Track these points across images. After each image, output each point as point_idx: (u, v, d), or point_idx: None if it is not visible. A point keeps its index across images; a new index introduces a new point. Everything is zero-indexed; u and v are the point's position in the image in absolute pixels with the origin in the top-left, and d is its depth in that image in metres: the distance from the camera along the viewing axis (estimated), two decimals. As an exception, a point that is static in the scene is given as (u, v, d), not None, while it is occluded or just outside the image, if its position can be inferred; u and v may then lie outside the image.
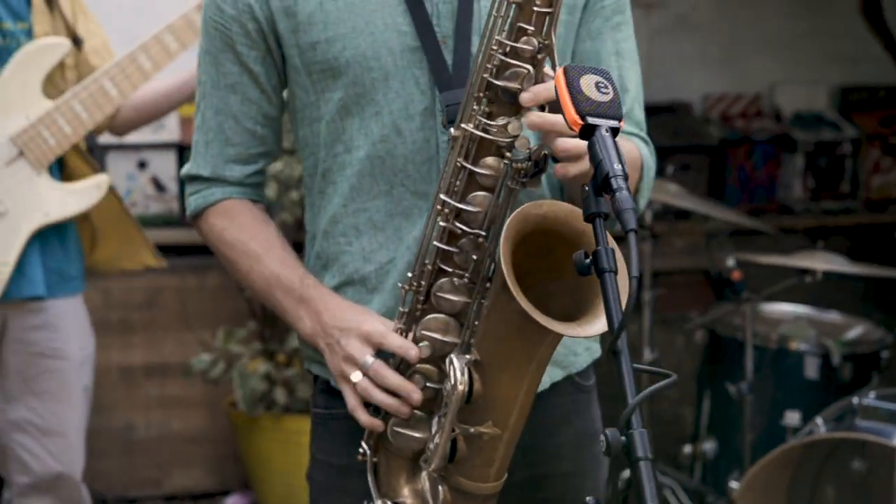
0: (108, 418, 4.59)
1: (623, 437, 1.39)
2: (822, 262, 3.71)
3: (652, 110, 5.63)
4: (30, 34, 3.10)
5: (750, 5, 5.40)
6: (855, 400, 3.37)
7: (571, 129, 1.55)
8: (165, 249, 4.72)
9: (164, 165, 4.80)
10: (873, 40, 5.14)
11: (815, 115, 5.50)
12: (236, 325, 4.53)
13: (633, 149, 1.93)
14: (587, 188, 1.52)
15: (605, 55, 1.93)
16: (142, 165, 4.79)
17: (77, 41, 3.16)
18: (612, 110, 1.54)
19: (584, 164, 1.66)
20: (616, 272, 1.48)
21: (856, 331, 4.01)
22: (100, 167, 3.29)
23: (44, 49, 3.09)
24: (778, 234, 4.66)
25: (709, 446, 3.99)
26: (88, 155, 3.26)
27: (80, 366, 3.23)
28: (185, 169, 2.02)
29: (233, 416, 4.49)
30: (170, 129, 4.80)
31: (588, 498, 1.45)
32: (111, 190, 3.24)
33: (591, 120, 1.53)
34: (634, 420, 1.41)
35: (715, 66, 5.53)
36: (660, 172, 4.30)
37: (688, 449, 4.14)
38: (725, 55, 5.53)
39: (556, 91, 1.56)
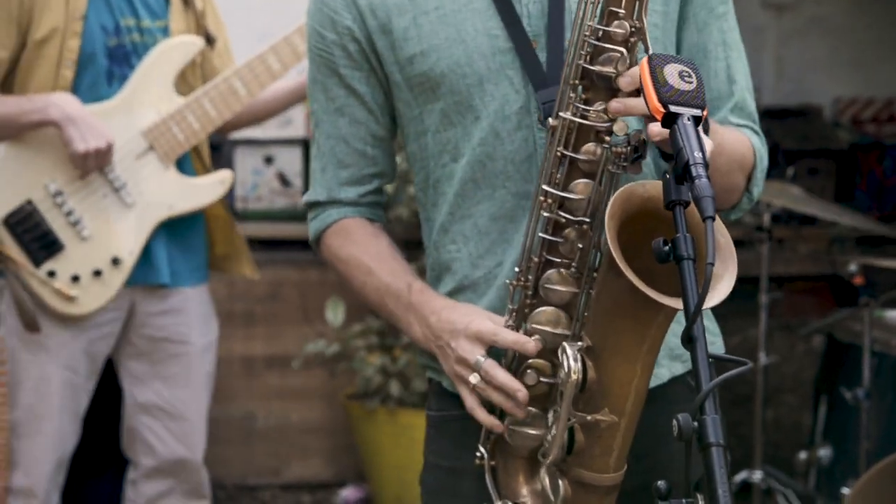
0: (229, 407, 4.69)
1: (695, 423, 1.39)
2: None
3: (781, 114, 5.60)
4: (166, 31, 3.20)
5: (883, 8, 5.31)
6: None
7: (654, 117, 1.55)
8: (289, 244, 4.84)
9: (290, 160, 4.89)
10: None
11: (948, 120, 5.39)
12: (355, 321, 4.59)
13: (744, 140, 1.92)
14: (668, 176, 1.52)
15: (713, 46, 1.93)
16: (268, 160, 4.89)
17: (210, 40, 3.25)
18: (695, 99, 1.54)
19: None
20: (694, 260, 1.48)
21: (980, 340, 3.90)
22: (211, 165, 3.38)
23: (179, 47, 3.19)
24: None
25: (824, 453, 3.92)
26: (204, 152, 3.35)
27: (203, 352, 3.32)
28: (306, 197, 2.07)
29: (349, 408, 4.55)
30: (296, 125, 4.90)
31: (658, 482, 1.45)
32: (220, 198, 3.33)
33: (672, 108, 1.53)
34: (708, 406, 1.40)
35: (846, 70, 5.44)
36: (783, 175, 4.27)
37: (803, 455, 4.08)
38: (857, 58, 5.44)
39: (640, 79, 1.57)
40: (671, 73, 1.55)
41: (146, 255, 3.19)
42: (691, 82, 1.55)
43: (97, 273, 3.14)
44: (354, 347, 4.46)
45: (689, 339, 1.46)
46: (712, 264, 1.41)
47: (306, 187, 5.09)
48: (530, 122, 1.87)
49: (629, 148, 1.72)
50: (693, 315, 1.44)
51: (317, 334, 4.66)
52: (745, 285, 4.26)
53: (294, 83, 3.42)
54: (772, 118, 5.23)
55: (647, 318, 1.71)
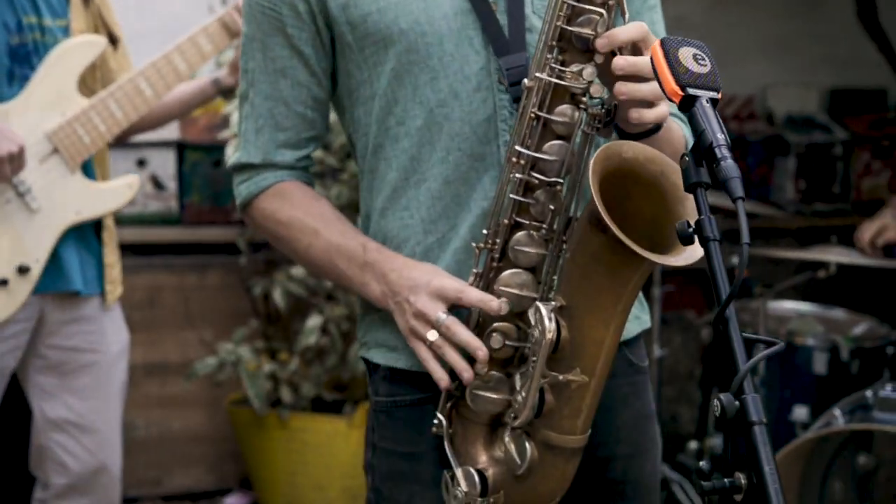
0: (108, 417, 4.55)
1: (737, 403, 1.40)
2: (838, 255, 3.73)
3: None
4: (67, 31, 3.08)
5: (742, 8, 5.45)
6: (869, 393, 3.40)
7: (671, 100, 1.55)
8: (165, 248, 4.73)
9: (163, 163, 4.77)
10: (864, 43, 5.20)
11: (806, 117, 5.54)
12: (238, 325, 4.51)
13: (679, 131, 1.94)
14: (687, 157, 1.53)
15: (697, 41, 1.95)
16: (141, 163, 4.76)
17: (113, 40, 3.15)
18: (711, 81, 1.55)
19: (661, 111, 1.69)
20: (721, 241, 1.49)
21: (861, 327, 4.04)
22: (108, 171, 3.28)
23: (81, 46, 3.07)
24: (770, 232, 4.69)
25: (717, 442, 4.00)
26: (105, 156, 3.25)
27: (115, 360, 3.21)
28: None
29: (235, 415, 4.47)
30: (169, 128, 4.76)
31: (701, 462, 1.45)
32: None
33: (690, 91, 1.54)
34: (746, 385, 1.41)
35: (708, 69, 5.55)
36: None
37: (694, 445, 4.15)
38: (718, 57, 5.46)
39: (652, 63, 1.57)
40: (686, 55, 1.56)
41: (55, 261, 3.06)
42: (705, 65, 1.56)
43: (3, 282, 3.00)
44: (238, 354, 4.37)
45: (722, 320, 1.46)
46: (749, 244, 1.42)
47: (181, 190, 4.98)
48: (490, 84, 1.85)
49: (604, 110, 1.73)
50: (728, 297, 1.45)
51: (198, 340, 4.57)
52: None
53: (198, 85, 3.33)
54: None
55: (626, 275, 1.71)
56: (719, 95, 1.55)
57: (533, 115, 1.74)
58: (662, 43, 1.57)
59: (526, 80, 1.74)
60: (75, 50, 3.06)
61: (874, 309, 4.40)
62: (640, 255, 1.63)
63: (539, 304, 1.73)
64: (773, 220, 5.22)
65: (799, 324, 3.99)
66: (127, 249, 4.76)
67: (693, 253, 1.65)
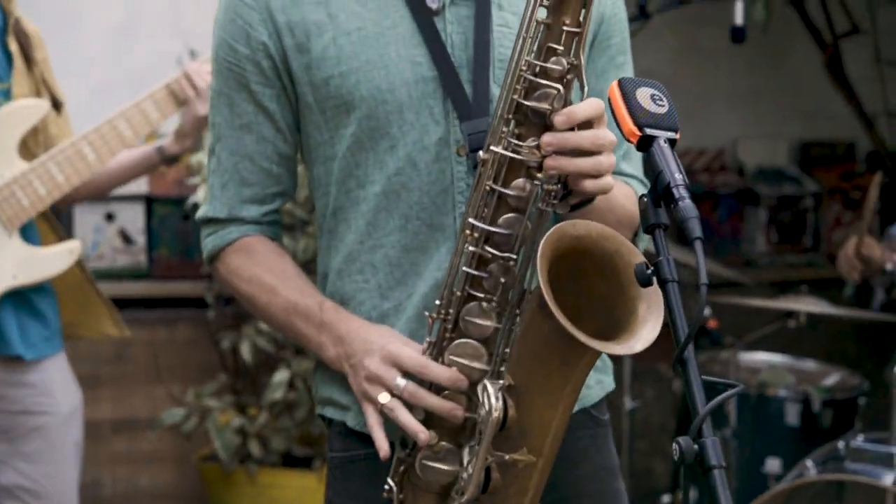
0: (74, 474, 4.50)
1: (696, 446, 1.38)
2: (808, 305, 3.73)
3: (618, 164, 5.65)
4: (8, 95, 3.04)
5: (711, 60, 5.47)
6: (841, 444, 3.39)
7: (629, 140, 1.54)
8: (134, 302, 4.69)
9: (132, 218, 4.76)
10: (833, 95, 5.22)
11: (776, 169, 5.56)
12: (207, 379, 4.47)
13: (632, 195, 1.92)
14: (645, 199, 1.52)
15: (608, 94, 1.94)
16: (109, 218, 4.74)
17: (56, 104, 3.12)
18: (669, 122, 1.55)
19: (605, 183, 1.68)
20: (678, 282, 1.48)
21: (833, 377, 4.03)
22: (66, 233, 3.24)
23: (23, 110, 3.03)
24: (745, 286, 4.69)
25: (691, 494, 3.97)
26: (55, 220, 3.21)
27: (67, 420, 3.14)
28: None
29: (204, 471, 4.42)
30: (138, 182, 4.74)
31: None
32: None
33: (648, 131, 1.53)
34: (705, 429, 1.39)
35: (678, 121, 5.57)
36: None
37: (667, 499, 4.12)
38: (688, 110, 5.58)
39: (610, 104, 1.56)
40: (644, 96, 1.55)
41: None
42: (663, 105, 1.56)
43: None
44: (208, 408, 4.33)
45: (681, 362, 1.44)
46: (707, 284, 1.41)
47: (150, 244, 4.96)
48: (448, 155, 1.84)
49: (559, 185, 1.72)
50: (686, 338, 1.43)
51: (167, 395, 4.52)
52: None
53: (142, 152, 3.25)
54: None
55: (573, 360, 1.70)
56: (677, 135, 1.54)
57: (488, 187, 1.73)
58: (620, 83, 1.57)
59: (481, 153, 1.74)
60: (17, 113, 3.02)
61: (847, 359, 4.40)
62: (586, 343, 1.62)
63: (487, 382, 1.72)
64: (745, 272, 5.22)
65: (770, 375, 3.98)
66: (95, 304, 4.72)
67: (642, 341, 1.64)
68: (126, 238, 4.75)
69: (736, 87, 5.60)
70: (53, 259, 3.08)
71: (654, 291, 1.62)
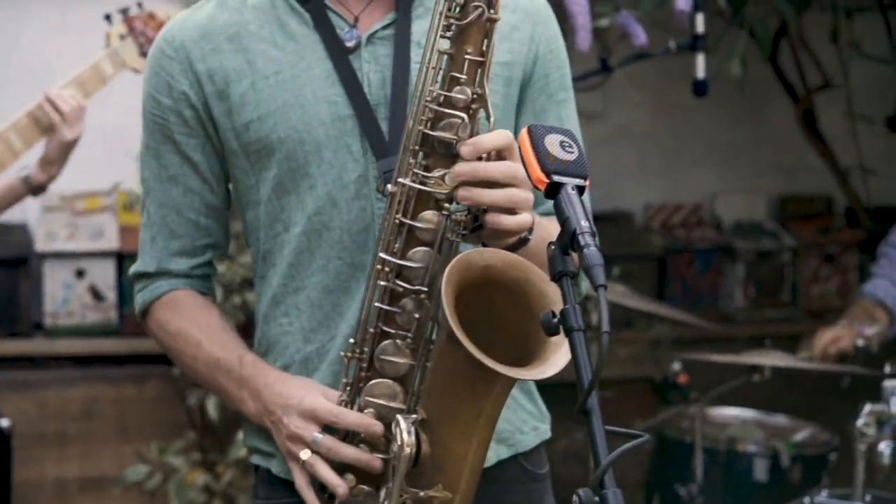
0: (41, 534, 4.46)
1: (597, 498, 1.35)
2: (772, 359, 3.70)
3: (593, 219, 5.65)
4: None
5: (688, 116, 5.47)
6: (806, 500, 3.34)
7: (537, 187, 1.53)
8: (103, 359, 4.67)
9: (102, 274, 4.74)
10: (810, 150, 5.22)
11: (754, 224, 5.55)
12: (175, 436, 4.43)
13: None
14: (553, 247, 1.50)
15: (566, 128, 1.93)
16: (80, 274, 4.72)
17: None
18: (578, 169, 1.53)
19: (522, 219, 1.66)
20: (585, 331, 1.45)
21: (803, 433, 3.99)
22: None
23: None
24: (721, 340, 4.66)
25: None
26: None
27: None
28: (133, 268, 1.99)
29: (171, 530, 4.37)
30: (108, 238, 4.75)
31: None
32: None
33: (556, 178, 1.51)
34: (608, 480, 1.36)
35: (655, 176, 5.58)
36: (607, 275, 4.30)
37: (637, 556, 4.08)
38: (665, 165, 5.58)
39: (520, 151, 1.55)
40: (552, 142, 1.54)
41: None
42: (572, 152, 1.54)
43: None
44: (173, 466, 4.30)
45: (584, 412, 1.42)
46: (608, 333, 1.38)
47: (121, 301, 4.92)
48: (368, 192, 1.83)
49: (469, 216, 1.71)
50: (589, 387, 1.41)
51: (135, 453, 4.48)
52: (567, 390, 4.30)
53: (6, 184, 3.18)
54: (585, 224, 5.30)
55: (484, 389, 1.68)
56: (587, 182, 1.52)
57: (397, 221, 1.72)
58: (529, 130, 1.56)
59: (389, 186, 1.73)
60: None
61: (824, 413, 4.35)
62: (495, 369, 1.60)
63: (399, 417, 1.71)
64: (723, 327, 5.19)
65: (739, 430, 3.94)
66: (65, 361, 4.71)
67: (554, 367, 1.62)
68: (96, 294, 4.73)
69: (713, 141, 5.60)
70: None
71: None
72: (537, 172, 1.52)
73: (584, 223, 1.47)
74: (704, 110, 5.38)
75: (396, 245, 1.72)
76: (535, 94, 1.92)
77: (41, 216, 4.79)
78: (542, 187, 1.52)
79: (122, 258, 4.74)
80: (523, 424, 1.96)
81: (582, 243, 1.45)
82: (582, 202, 1.50)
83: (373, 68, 1.84)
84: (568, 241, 1.47)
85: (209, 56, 1.86)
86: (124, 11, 3.28)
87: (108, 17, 3.29)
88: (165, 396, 4.58)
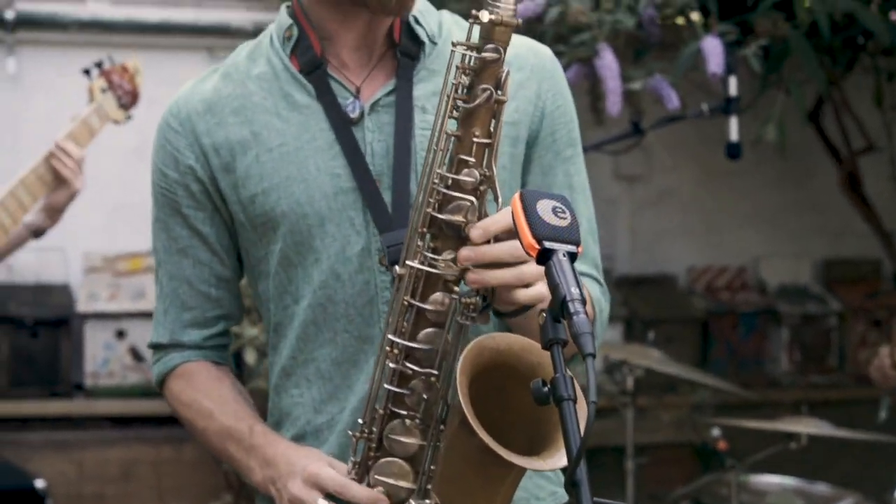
0: None
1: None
2: (809, 426, 3.64)
3: (636, 282, 5.63)
4: None
5: (733, 179, 5.44)
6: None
7: (529, 253, 1.51)
8: (142, 420, 4.68)
9: (142, 335, 4.75)
10: (855, 214, 5.16)
11: (799, 288, 5.48)
12: (212, 499, 4.43)
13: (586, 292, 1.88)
14: (545, 314, 1.48)
15: (558, 189, 1.91)
16: (120, 335, 4.75)
17: None
18: (570, 235, 1.51)
19: (536, 292, 1.64)
20: (575, 400, 1.43)
21: (846, 502, 3.92)
22: None
23: None
24: (764, 405, 4.60)
25: None
26: None
27: None
28: (150, 339, 2.01)
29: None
30: (149, 299, 4.77)
31: None
32: None
33: (547, 244, 1.50)
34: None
35: (699, 239, 5.54)
36: (643, 340, 4.27)
37: None
38: (709, 228, 5.55)
39: (512, 216, 1.53)
40: (544, 208, 1.52)
41: None
42: (565, 218, 1.52)
43: None
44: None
45: (572, 484, 1.39)
46: (595, 402, 1.36)
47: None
48: (371, 265, 1.83)
49: (478, 298, 1.69)
50: (575, 461, 1.38)
51: (171, 515, 4.49)
52: (610, 454, 4.26)
53: (14, 234, 3.33)
54: (628, 287, 5.28)
55: (499, 475, 1.66)
56: (578, 249, 1.50)
57: (406, 302, 1.71)
58: (522, 196, 1.54)
59: (397, 268, 1.72)
60: None
61: (868, 483, 4.27)
62: (510, 460, 1.58)
63: (412, 501, 1.70)
64: (768, 393, 5.12)
65: (779, 498, 3.87)
66: (104, 421, 4.72)
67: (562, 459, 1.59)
68: (136, 355, 4.75)
69: (758, 204, 5.56)
70: None
71: (580, 405, 1.58)
72: (528, 238, 1.50)
73: (575, 290, 1.45)
74: (748, 173, 5.35)
75: (405, 326, 1.71)
76: (542, 151, 1.91)
77: (83, 277, 4.83)
78: (534, 253, 1.50)
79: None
80: (539, 490, 1.93)
81: (571, 310, 1.43)
82: (573, 269, 1.48)
83: (376, 137, 1.84)
84: (558, 308, 1.44)
85: (214, 130, 1.87)
86: (99, 65, 3.39)
87: (87, 72, 3.40)
88: (203, 459, 4.58)
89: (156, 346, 1.99)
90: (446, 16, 1.92)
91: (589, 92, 3.57)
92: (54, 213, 3.29)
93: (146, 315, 4.75)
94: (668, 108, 3.44)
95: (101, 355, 4.73)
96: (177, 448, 4.64)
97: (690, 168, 5.44)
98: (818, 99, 4.91)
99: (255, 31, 5.11)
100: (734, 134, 3.44)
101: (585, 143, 1.98)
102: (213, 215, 1.91)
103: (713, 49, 3.37)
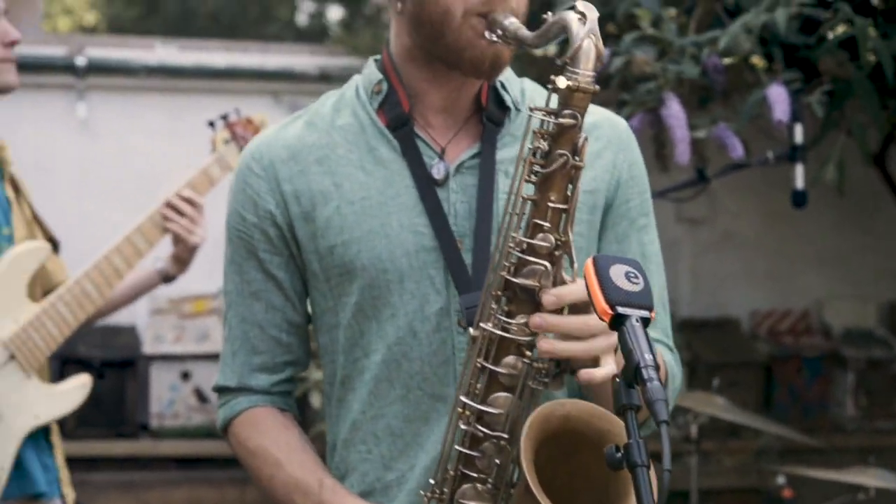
0: None
1: None
2: (875, 478, 3.59)
3: (699, 325, 5.59)
4: (11, 239, 3.14)
5: (797, 222, 5.40)
6: None
7: (601, 318, 1.52)
8: (205, 461, 4.71)
9: (207, 376, 4.80)
10: (922, 257, 5.13)
11: (864, 331, 5.44)
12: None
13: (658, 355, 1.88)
14: (618, 380, 1.48)
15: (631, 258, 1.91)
16: (185, 376, 4.79)
17: (55, 244, 3.22)
18: (643, 300, 1.51)
19: (606, 371, 1.64)
20: (649, 466, 1.43)
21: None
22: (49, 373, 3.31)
23: (29, 253, 3.12)
24: (830, 451, 4.55)
25: None
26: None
27: None
28: (215, 382, 2.00)
29: None
30: (214, 340, 4.82)
31: None
32: None
33: (621, 310, 1.50)
34: None
35: (762, 282, 5.51)
36: (707, 386, 4.25)
37: None
38: (772, 271, 5.52)
39: (585, 280, 1.54)
40: (617, 273, 1.53)
41: (18, 465, 3.05)
42: (638, 283, 1.53)
43: None
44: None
45: (646, 551, 1.39)
46: (669, 471, 1.36)
47: (225, 403, 4.87)
48: (449, 325, 1.82)
49: (551, 363, 1.69)
50: (651, 524, 1.38)
51: (235, 557, 4.51)
52: (674, 499, 4.23)
53: (145, 275, 3.35)
54: (690, 330, 5.26)
55: None
56: (651, 315, 1.51)
57: (479, 365, 1.71)
58: (595, 261, 1.55)
59: (472, 330, 1.73)
60: (23, 257, 3.11)
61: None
62: None
63: None
64: (833, 438, 5.07)
65: (844, 547, 3.82)
66: (169, 462, 4.76)
67: None
68: (201, 396, 4.79)
69: (822, 247, 5.52)
70: (70, 395, 3.16)
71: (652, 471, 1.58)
72: (602, 304, 1.51)
73: (648, 356, 1.45)
74: (811, 215, 5.30)
75: (478, 388, 1.72)
76: (616, 219, 1.91)
77: (149, 318, 4.89)
78: (607, 318, 1.51)
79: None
80: None
81: (645, 377, 1.44)
82: (646, 334, 1.48)
83: (459, 199, 1.84)
84: (632, 374, 1.45)
85: (297, 177, 1.88)
86: (224, 118, 3.45)
87: (211, 124, 3.46)
88: (266, 500, 4.59)
89: (222, 390, 1.98)
90: (528, 83, 1.94)
91: (654, 139, 3.56)
92: (179, 263, 3.33)
93: (211, 357, 4.80)
94: (733, 156, 3.43)
95: (166, 396, 4.78)
96: (240, 489, 4.66)
97: (753, 211, 5.42)
98: (885, 140, 4.88)
99: (319, 76, 5.18)
100: (800, 182, 3.42)
101: (650, 190, 1.99)
102: (289, 261, 1.91)
103: (778, 97, 3.35)
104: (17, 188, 3.19)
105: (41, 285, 3.21)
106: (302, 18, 14.78)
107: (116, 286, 3.23)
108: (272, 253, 1.91)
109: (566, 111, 1.64)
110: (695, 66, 3.40)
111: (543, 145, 1.66)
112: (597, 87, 1.63)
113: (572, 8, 1.64)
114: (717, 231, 5.45)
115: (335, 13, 14.70)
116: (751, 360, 5.26)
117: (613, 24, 3.82)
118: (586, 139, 1.66)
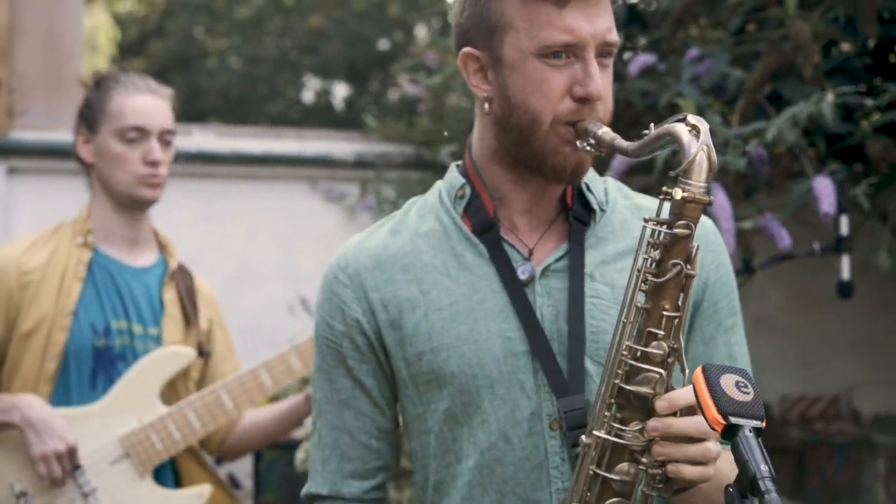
0: None
1: None
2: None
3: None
4: (159, 340, 3.15)
5: (826, 306, 5.40)
6: None
7: (713, 428, 1.52)
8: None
9: (240, 462, 4.77)
10: (952, 343, 5.13)
11: (894, 417, 5.43)
12: None
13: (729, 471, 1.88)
14: (731, 490, 1.49)
15: (718, 360, 1.92)
16: (218, 462, 4.76)
17: (203, 353, 3.21)
18: (755, 410, 1.53)
19: (705, 472, 1.65)
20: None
21: None
22: (217, 475, 3.28)
23: (170, 357, 3.13)
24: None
25: None
26: (203, 459, 3.25)
27: None
28: (305, 489, 2.01)
29: None
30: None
31: None
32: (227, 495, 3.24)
33: (733, 420, 1.51)
34: None
35: (792, 368, 5.51)
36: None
37: None
38: (803, 356, 5.52)
39: (695, 391, 1.55)
40: (728, 383, 1.54)
41: None
42: (748, 392, 1.54)
43: None
44: None
45: None
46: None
47: (257, 489, 4.91)
48: (541, 429, 1.83)
49: (664, 469, 1.70)
50: None
51: None
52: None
53: (292, 403, 3.30)
54: (721, 416, 5.24)
55: None
56: (763, 424, 1.52)
57: (591, 472, 1.72)
58: (704, 370, 1.56)
59: (584, 437, 1.73)
60: (163, 359, 3.12)
61: None
62: None
63: None
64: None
65: None
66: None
67: None
68: (234, 482, 4.77)
69: (853, 332, 5.53)
70: (182, 502, 3.13)
71: None
72: (714, 413, 1.52)
73: (764, 467, 1.46)
74: (841, 301, 5.33)
75: (589, 496, 1.72)
76: (704, 321, 1.92)
77: (182, 403, 4.87)
78: (719, 429, 1.52)
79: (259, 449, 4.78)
80: None
81: (763, 488, 1.44)
82: (760, 444, 1.49)
83: (546, 302, 1.85)
84: (748, 485, 1.46)
85: (383, 286, 1.90)
86: None
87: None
88: None
89: (314, 497, 1.99)
90: (611, 183, 1.96)
91: (699, 230, 3.58)
92: None
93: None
94: (780, 247, 3.44)
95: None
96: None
97: (783, 295, 5.43)
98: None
99: (355, 162, 5.21)
100: (846, 272, 3.43)
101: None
102: (377, 368, 1.92)
103: (825, 189, 3.37)
104: (185, 297, 3.18)
105: (188, 390, 3.19)
106: (308, 96, 14.84)
107: (258, 401, 3.20)
108: (360, 360, 1.92)
109: (680, 221, 1.65)
110: (741, 160, 3.42)
111: (656, 255, 1.67)
112: (711, 197, 1.66)
113: (681, 120, 1.66)
114: (748, 316, 5.43)
115: (341, 91, 14.77)
116: (782, 447, 5.25)
117: (656, 115, 3.85)
118: (698, 248, 1.68)
